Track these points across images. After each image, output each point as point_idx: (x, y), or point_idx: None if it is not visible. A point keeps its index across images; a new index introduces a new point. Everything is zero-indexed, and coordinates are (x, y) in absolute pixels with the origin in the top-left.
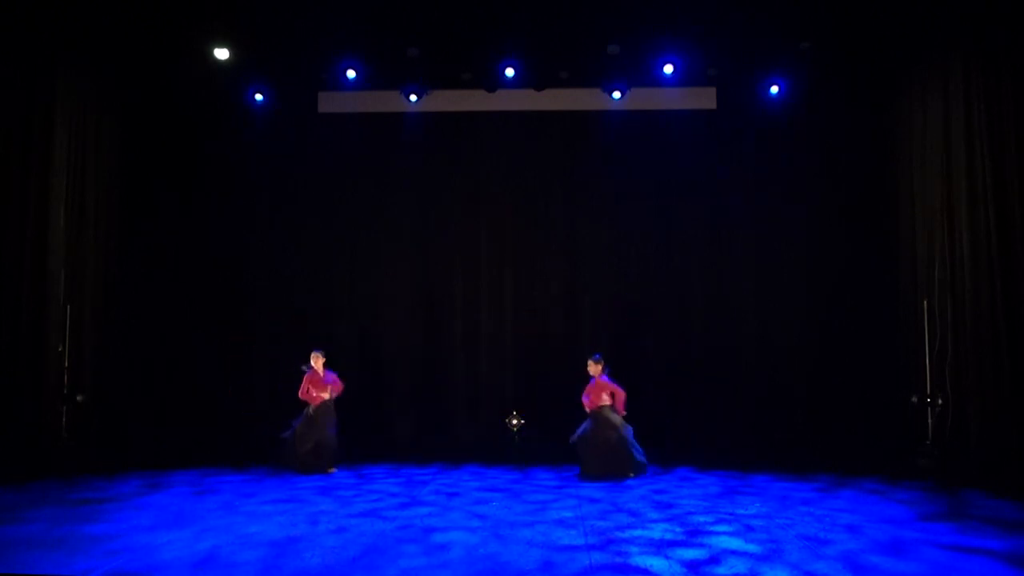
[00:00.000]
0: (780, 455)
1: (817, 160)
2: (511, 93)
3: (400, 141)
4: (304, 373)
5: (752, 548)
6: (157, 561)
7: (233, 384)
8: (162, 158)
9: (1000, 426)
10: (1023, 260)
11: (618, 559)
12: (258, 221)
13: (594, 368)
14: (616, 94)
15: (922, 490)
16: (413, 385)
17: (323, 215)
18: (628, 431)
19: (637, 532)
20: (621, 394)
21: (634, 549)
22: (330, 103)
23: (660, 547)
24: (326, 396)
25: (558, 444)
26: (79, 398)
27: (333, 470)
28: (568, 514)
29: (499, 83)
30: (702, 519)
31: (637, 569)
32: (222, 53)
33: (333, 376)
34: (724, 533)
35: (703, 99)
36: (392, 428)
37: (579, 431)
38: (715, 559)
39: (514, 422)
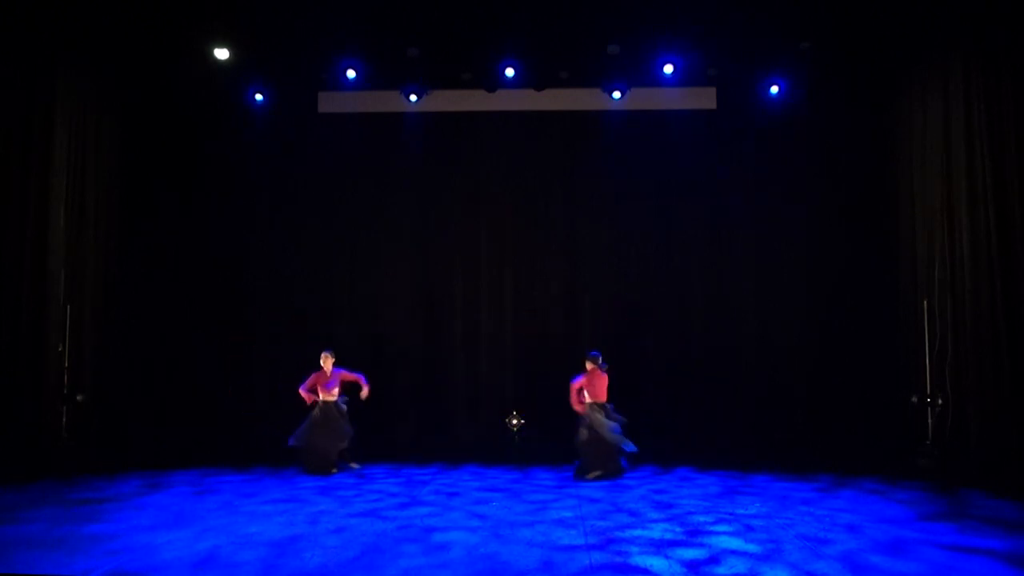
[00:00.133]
0: (780, 455)
1: (817, 160)
2: (511, 93)
3: (400, 141)
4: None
5: (752, 548)
6: (157, 561)
7: (233, 384)
8: (162, 158)
9: (1000, 426)
10: (1023, 260)
11: (618, 559)
12: (258, 221)
13: (594, 365)
14: (616, 94)
15: (922, 490)
16: (413, 385)
17: (323, 215)
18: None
19: (637, 532)
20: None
21: (634, 549)
22: (330, 103)
23: (660, 547)
24: (333, 397)
25: (558, 444)
26: (79, 398)
27: (357, 466)
28: (568, 514)
29: (499, 83)
30: (702, 519)
31: (637, 569)
32: (222, 53)
33: (341, 372)
34: (724, 533)
35: (703, 99)
36: (392, 428)
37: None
38: (715, 559)
39: (514, 422)
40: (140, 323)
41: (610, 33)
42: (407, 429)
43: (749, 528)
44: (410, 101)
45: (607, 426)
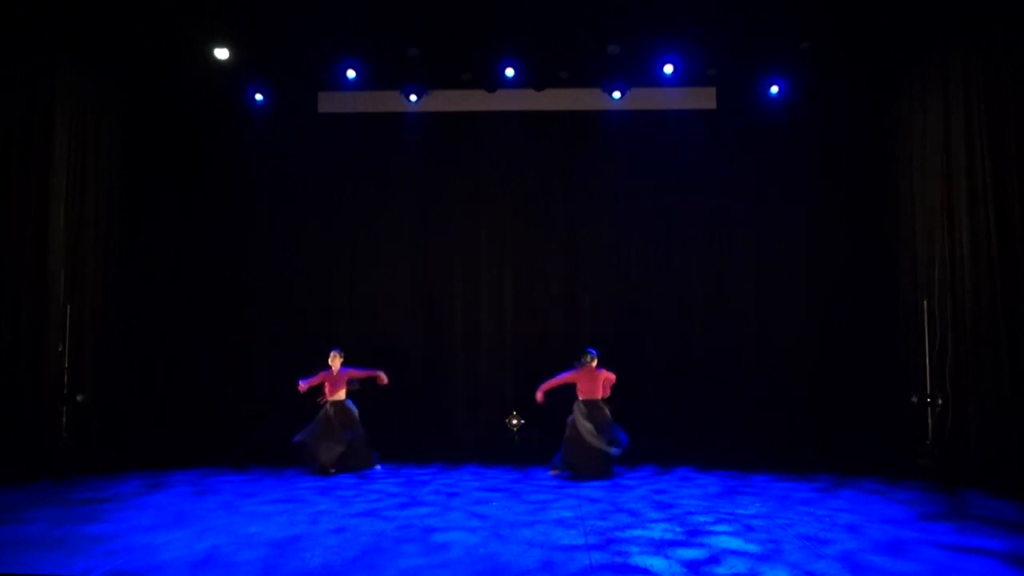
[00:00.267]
0: (780, 455)
1: (817, 160)
2: (511, 93)
3: (400, 141)
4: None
5: (752, 548)
6: (157, 561)
7: (233, 384)
8: (162, 158)
9: (1000, 426)
10: (1023, 260)
11: (618, 559)
12: (258, 221)
13: (593, 362)
14: (616, 94)
15: (922, 490)
16: (413, 385)
17: (323, 215)
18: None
19: (637, 532)
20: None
21: (634, 549)
22: (330, 103)
23: (660, 547)
24: (341, 397)
25: (558, 444)
26: (79, 398)
27: (377, 466)
28: (568, 514)
29: (499, 83)
30: (702, 519)
31: (637, 569)
32: (222, 53)
33: (349, 371)
34: (724, 533)
35: (703, 99)
36: (392, 428)
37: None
38: (715, 559)
39: (514, 422)
40: (140, 323)
41: (610, 33)
42: (407, 429)
43: (749, 528)
44: (410, 101)
45: (587, 428)
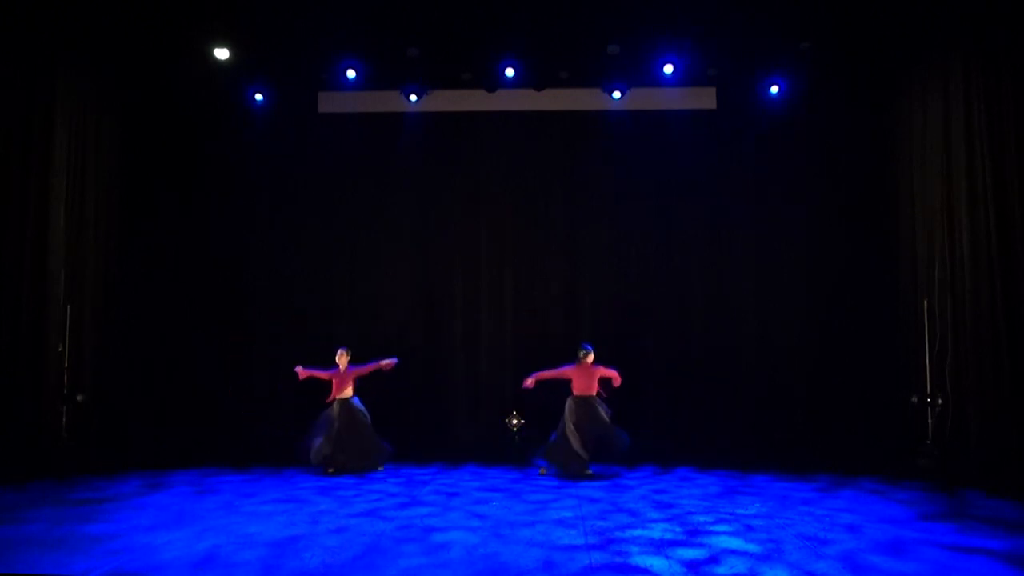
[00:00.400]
0: (780, 455)
1: (817, 160)
2: (511, 93)
3: (400, 141)
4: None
5: (752, 548)
6: (157, 561)
7: (233, 384)
8: (162, 158)
9: (1000, 426)
10: (1023, 260)
11: (618, 559)
12: (258, 221)
13: (589, 358)
14: (616, 94)
15: (922, 490)
16: (413, 385)
17: (323, 215)
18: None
19: (637, 532)
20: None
21: (634, 549)
22: (330, 103)
23: (660, 547)
24: (348, 395)
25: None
26: (79, 398)
27: (382, 467)
28: (568, 514)
29: (499, 83)
30: (702, 519)
31: (637, 569)
32: (222, 53)
33: (356, 369)
34: (724, 533)
35: (703, 99)
36: (392, 428)
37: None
38: (715, 559)
39: (514, 422)
40: (140, 323)
41: (610, 33)
42: (407, 429)
43: (749, 528)
44: (410, 101)
45: (571, 429)
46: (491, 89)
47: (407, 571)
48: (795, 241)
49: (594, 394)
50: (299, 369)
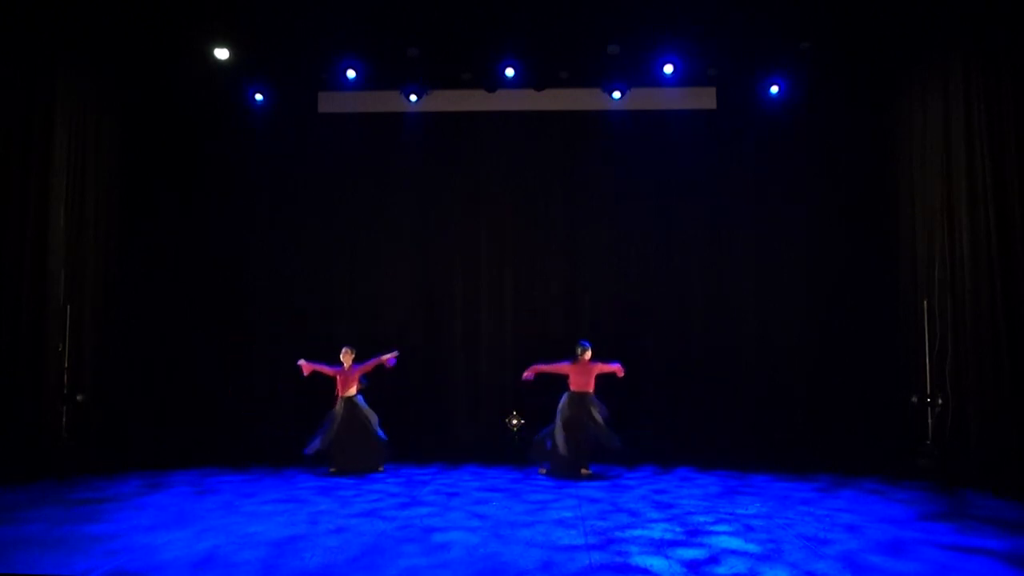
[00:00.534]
0: (780, 455)
1: (817, 160)
2: (511, 93)
3: (400, 141)
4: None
5: (752, 548)
6: (157, 561)
7: (233, 384)
8: (162, 158)
9: (1000, 426)
10: (1023, 260)
11: (618, 559)
12: (258, 221)
13: (586, 355)
14: (616, 94)
15: (922, 490)
16: (413, 385)
17: (323, 215)
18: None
19: (637, 532)
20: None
21: (634, 549)
22: (330, 103)
23: (660, 547)
24: (352, 394)
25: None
26: (79, 398)
27: (382, 468)
28: (568, 514)
29: (499, 83)
30: (702, 519)
31: (637, 569)
32: (222, 53)
33: (360, 368)
34: (724, 533)
35: (703, 99)
36: (392, 428)
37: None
38: (715, 559)
39: (514, 422)
40: (140, 323)
41: (610, 33)
42: (407, 429)
43: (749, 528)
44: (410, 101)
45: (558, 426)
46: (491, 89)
47: (407, 571)
48: (795, 241)
49: (591, 391)
50: (303, 363)
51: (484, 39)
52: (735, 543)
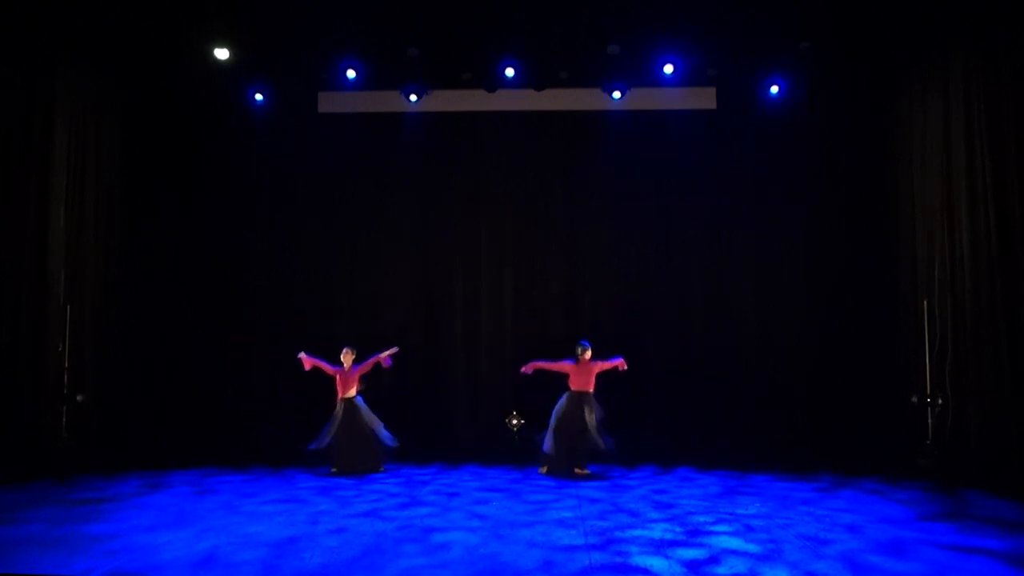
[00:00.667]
0: (780, 455)
1: (817, 160)
2: (511, 93)
3: (400, 141)
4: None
5: (752, 548)
6: (157, 561)
7: (233, 384)
8: (162, 158)
9: (1000, 426)
10: (1023, 260)
11: (618, 559)
12: (258, 221)
13: (587, 355)
14: (616, 94)
15: (922, 490)
16: (413, 385)
17: (323, 215)
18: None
19: (637, 532)
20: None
21: (634, 549)
22: (330, 103)
23: (660, 547)
24: (352, 394)
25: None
26: (79, 398)
27: (383, 468)
28: (568, 514)
29: (499, 83)
30: (702, 519)
31: (637, 569)
32: (222, 53)
33: (361, 368)
34: (724, 533)
35: (703, 99)
36: (392, 428)
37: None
38: (715, 559)
39: (514, 422)
40: (140, 323)
41: (610, 33)
42: (407, 429)
43: (749, 528)
44: (410, 101)
45: (552, 425)
46: (491, 89)
47: (407, 571)
48: (795, 241)
49: (591, 390)
50: (303, 356)
51: (484, 39)
52: (735, 543)
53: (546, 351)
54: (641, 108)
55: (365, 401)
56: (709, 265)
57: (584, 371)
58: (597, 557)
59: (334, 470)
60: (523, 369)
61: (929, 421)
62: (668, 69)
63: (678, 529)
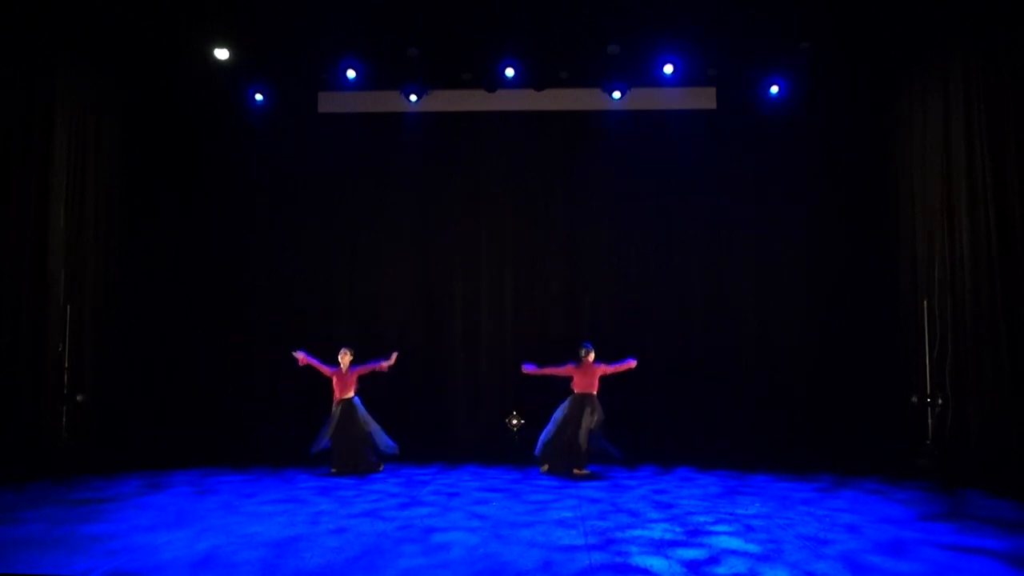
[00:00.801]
0: (780, 455)
1: (817, 160)
2: (511, 93)
3: (400, 141)
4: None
5: (752, 548)
6: (157, 561)
7: (233, 384)
8: (162, 158)
9: (1000, 426)
10: (1023, 260)
11: (618, 559)
12: (258, 221)
13: (589, 357)
14: (616, 94)
15: (922, 490)
16: (413, 385)
17: (323, 215)
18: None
19: (637, 532)
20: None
21: (634, 549)
22: (330, 103)
23: (660, 547)
24: (350, 395)
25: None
26: (79, 398)
27: (382, 468)
28: (568, 514)
29: (499, 83)
30: (702, 519)
31: (637, 569)
32: (222, 53)
33: (359, 370)
34: (724, 533)
35: (703, 99)
36: (392, 428)
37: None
38: (715, 559)
39: (514, 422)
40: (140, 323)
41: (610, 33)
42: (407, 429)
43: (749, 528)
44: (410, 101)
45: (551, 426)
46: (491, 89)
47: (407, 571)
48: (795, 241)
49: (594, 392)
50: (299, 354)
51: (484, 39)
52: (735, 543)
53: (546, 351)
54: (641, 108)
55: (363, 402)
56: (709, 265)
57: (587, 373)
58: (597, 557)
59: (334, 470)
60: (524, 368)
61: (929, 421)
62: (668, 69)
63: (678, 529)
